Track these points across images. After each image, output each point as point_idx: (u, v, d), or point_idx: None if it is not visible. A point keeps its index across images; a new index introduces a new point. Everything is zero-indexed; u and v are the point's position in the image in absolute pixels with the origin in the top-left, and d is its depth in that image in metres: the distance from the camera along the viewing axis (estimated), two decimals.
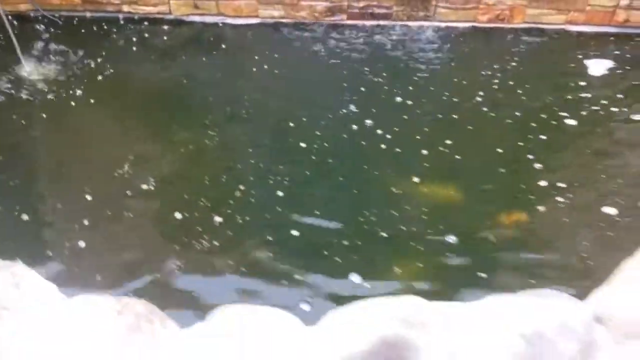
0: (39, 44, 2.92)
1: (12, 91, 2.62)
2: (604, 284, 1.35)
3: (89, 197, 2.03)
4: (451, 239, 1.88)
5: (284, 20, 3.14)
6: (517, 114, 2.43)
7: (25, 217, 1.95)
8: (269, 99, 2.61)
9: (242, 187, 2.11)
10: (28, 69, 2.77)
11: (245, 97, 2.61)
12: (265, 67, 2.83)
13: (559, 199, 2.03)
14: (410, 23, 3.09)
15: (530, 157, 2.19)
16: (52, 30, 3.04)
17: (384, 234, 1.92)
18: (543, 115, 2.41)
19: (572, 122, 2.40)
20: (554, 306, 1.25)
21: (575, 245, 1.85)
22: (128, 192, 2.06)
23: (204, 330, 1.22)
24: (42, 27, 3.04)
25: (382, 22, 3.10)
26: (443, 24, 3.08)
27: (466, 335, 1.19)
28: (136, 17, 3.15)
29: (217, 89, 2.68)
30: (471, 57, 2.87)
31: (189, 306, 1.64)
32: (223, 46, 3.01)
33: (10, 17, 2.77)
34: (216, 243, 1.88)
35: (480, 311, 1.25)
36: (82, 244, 1.83)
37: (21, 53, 2.76)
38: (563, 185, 2.09)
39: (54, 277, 1.38)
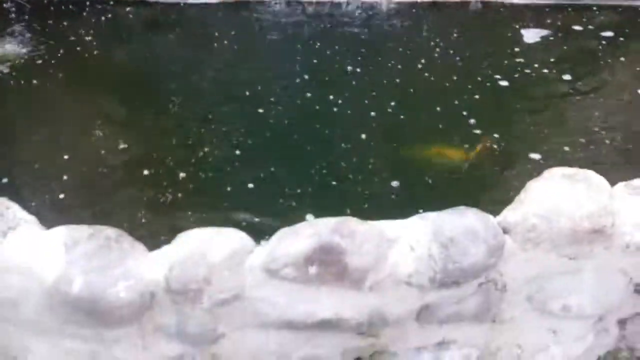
0: (9, 29, 3.04)
1: None
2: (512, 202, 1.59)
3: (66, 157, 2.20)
4: (394, 183, 2.12)
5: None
6: (454, 77, 2.67)
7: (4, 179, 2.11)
8: (228, 72, 2.79)
9: (205, 149, 2.31)
10: (4, 49, 2.89)
11: (205, 71, 2.77)
12: (225, 42, 3.00)
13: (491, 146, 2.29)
14: None
15: (465, 113, 2.43)
16: (20, 12, 3.16)
17: (334, 182, 2.14)
18: (478, 78, 2.65)
19: (504, 83, 2.64)
20: (466, 219, 1.47)
21: (504, 183, 2.10)
22: (102, 152, 2.23)
23: (170, 248, 1.41)
24: (10, 8, 3.16)
25: None
26: None
27: (389, 242, 1.42)
28: None
29: (179, 65, 2.83)
30: (417, 29, 3.09)
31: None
32: (184, 25, 3.16)
33: None
34: (179, 195, 2.08)
35: (403, 225, 1.48)
36: (61, 195, 2.01)
37: None
38: (494, 135, 2.33)
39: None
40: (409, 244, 1.43)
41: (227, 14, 3.26)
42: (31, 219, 1.46)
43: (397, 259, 1.41)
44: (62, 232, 1.41)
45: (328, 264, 1.36)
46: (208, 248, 1.35)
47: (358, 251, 1.37)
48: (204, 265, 1.33)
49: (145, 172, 2.15)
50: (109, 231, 1.42)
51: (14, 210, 1.43)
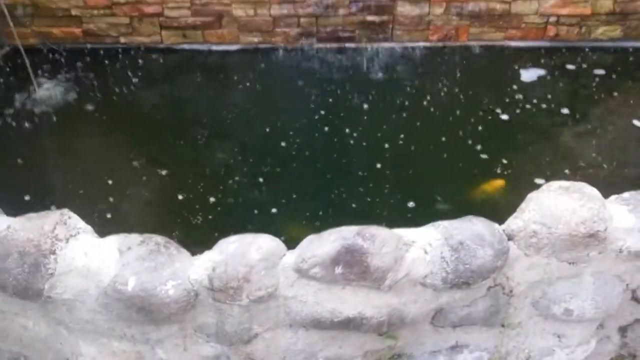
0: (47, 74, 3.33)
1: (27, 112, 3.01)
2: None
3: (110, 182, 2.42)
4: (410, 204, 2.32)
5: (261, 46, 3.60)
6: (457, 112, 2.91)
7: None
8: (251, 111, 3.05)
9: (232, 178, 2.52)
10: (40, 93, 3.16)
11: (229, 110, 3.03)
12: (248, 84, 3.27)
13: (498, 171, 2.49)
14: (371, 44, 3.57)
15: (470, 142, 2.65)
16: (58, 60, 3.46)
17: (354, 206, 2.34)
18: (481, 113, 2.89)
19: (505, 116, 2.87)
20: (474, 225, 1.65)
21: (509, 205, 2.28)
22: (142, 179, 2.45)
23: (212, 252, 1.59)
24: (49, 57, 3.46)
25: (347, 44, 3.57)
26: (399, 44, 3.57)
27: (406, 246, 1.59)
28: (132, 47, 3.59)
29: (205, 105, 3.10)
30: (422, 70, 3.35)
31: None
32: (209, 69, 3.45)
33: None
34: (209, 217, 2.28)
35: (418, 232, 1.66)
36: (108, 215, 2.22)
37: (34, 79, 3.16)
38: (501, 162, 2.54)
39: None
40: (423, 247, 1.60)
41: (247, 59, 3.54)
42: (88, 228, 1.64)
43: (413, 261, 1.58)
44: (116, 239, 1.60)
45: (352, 264, 1.53)
46: (247, 250, 1.53)
47: (378, 252, 1.54)
48: (243, 264, 1.51)
49: (180, 197, 2.36)
50: (158, 238, 1.61)
51: (75, 220, 1.62)
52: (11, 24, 3.21)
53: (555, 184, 1.77)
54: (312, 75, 3.33)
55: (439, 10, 3.47)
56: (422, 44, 3.57)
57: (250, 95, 3.18)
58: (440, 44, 3.57)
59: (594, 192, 1.72)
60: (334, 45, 3.58)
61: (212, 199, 2.37)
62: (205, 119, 2.94)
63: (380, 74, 3.33)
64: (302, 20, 3.53)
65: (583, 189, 1.72)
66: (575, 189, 1.73)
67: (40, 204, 2.40)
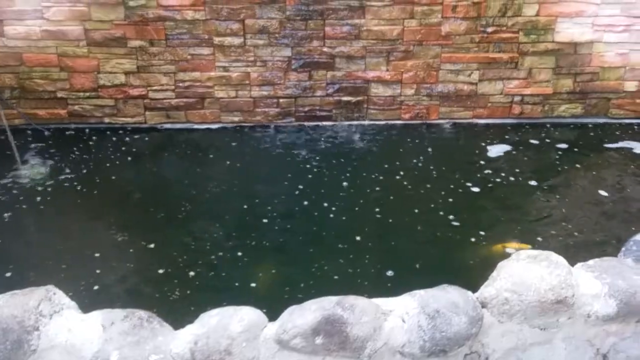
0: (32, 152, 3.41)
1: (13, 190, 3.06)
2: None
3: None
4: (389, 273, 2.38)
5: (243, 124, 3.76)
6: (428, 186, 3.04)
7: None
8: (232, 187, 3.14)
9: (212, 253, 2.56)
10: (24, 172, 3.22)
11: (212, 186, 3.12)
12: (228, 162, 3.37)
13: (472, 240, 2.58)
14: (347, 122, 3.75)
15: (442, 213, 2.76)
16: (43, 140, 3.55)
17: (336, 277, 2.39)
18: (452, 186, 3.02)
19: (476, 189, 3.00)
20: (449, 294, 1.72)
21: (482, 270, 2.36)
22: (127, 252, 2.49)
23: (193, 326, 1.62)
24: (34, 138, 3.55)
25: (324, 123, 3.75)
26: (374, 123, 3.75)
27: (384, 315, 1.65)
28: (116, 127, 3.71)
29: (188, 182, 3.18)
30: (396, 147, 3.51)
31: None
32: (191, 148, 3.57)
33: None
34: (187, 292, 2.31)
35: (396, 301, 1.71)
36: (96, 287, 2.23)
37: (18, 158, 3.23)
38: (473, 231, 2.63)
39: None
40: (400, 316, 1.66)
41: (229, 137, 3.67)
42: (72, 304, 1.67)
43: (392, 330, 1.63)
44: (99, 315, 1.62)
45: (332, 334, 1.57)
46: (229, 322, 1.56)
47: (358, 322, 1.58)
48: (225, 337, 1.53)
49: (161, 270, 2.39)
50: (141, 312, 1.64)
51: (59, 296, 1.65)
52: (3, 106, 3.32)
53: (524, 253, 1.87)
54: (291, 152, 3.46)
55: (410, 91, 3.69)
56: (395, 122, 3.76)
57: (231, 171, 3.28)
58: (412, 122, 3.76)
59: (561, 260, 1.82)
60: (312, 123, 3.75)
61: (191, 273, 2.40)
62: (188, 195, 3.01)
63: (356, 151, 3.47)
64: (281, 100, 3.71)
65: (550, 257, 1.82)
66: (543, 258, 1.82)
67: (24, 280, 2.41)
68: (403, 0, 3.47)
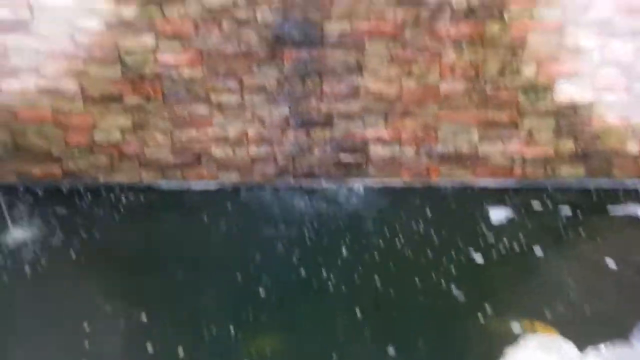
0: (23, 212, 3.32)
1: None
2: None
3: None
4: (390, 349, 2.27)
5: (240, 183, 3.68)
6: (429, 253, 2.95)
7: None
8: (228, 252, 3.04)
9: (204, 325, 2.45)
10: (15, 234, 3.12)
11: (208, 249, 3.03)
12: (223, 224, 3.28)
13: (476, 314, 2.47)
14: (345, 182, 3.68)
15: (444, 284, 2.66)
16: (35, 199, 3.47)
17: (334, 355, 2.28)
18: (453, 254, 2.92)
19: (478, 257, 2.91)
20: None
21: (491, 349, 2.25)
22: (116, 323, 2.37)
23: None
24: (25, 196, 3.47)
25: (322, 182, 3.67)
26: (373, 182, 3.68)
27: None
28: (111, 185, 3.63)
29: (183, 247, 3.08)
30: (395, 209, 3.42)
31: None
32: (187, 209, 3.48)
33: None
34: None
35: None
36: None
37: (9, 220, 3.14)
38: (478, 305, 2.52)
39: None
40: None
41: (226, 196, 3.59)
42: None
43: None
44: None
45: None
46: None
47: None
48: None
49: (150, 348, 2.27)
50: None
51: None
52: None
53: (534, 340, 1.76)
54: (289, 214, 3.38)
55: (410, 151, 3.64)
56: (395, 182, 3.69)
57: (227, 235, 3.19)
58: (412, 182, 3.69)
59: (571, 349, 1.71)
60: (310, 182, 3.68)
61: (181, 351, 2.28)
62: (182, 261, 2.92)
63: (354, 213, 3.39)
64: (279, 159, 3.65)
65: (561, 347, 1.71)
66: (554, 347, 1.71)
67: (6, 353, 2.30)
68: (401, 60, 3.45)
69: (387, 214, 3.37)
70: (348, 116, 3.57)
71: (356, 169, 3.68)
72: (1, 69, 3.40)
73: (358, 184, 3.67)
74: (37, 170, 3.60)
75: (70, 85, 3.44)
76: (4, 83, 3.43)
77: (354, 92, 3.51)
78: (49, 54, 3.37)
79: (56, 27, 3.33)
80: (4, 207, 3.17)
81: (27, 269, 2.84)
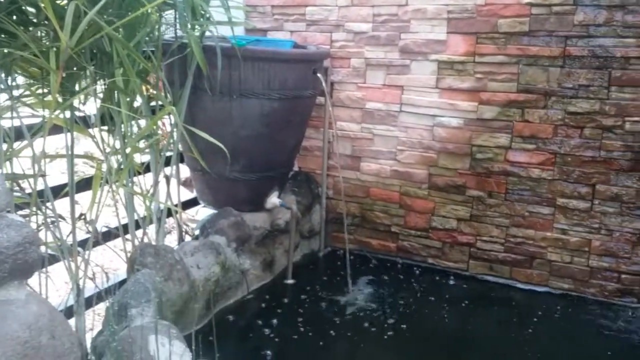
0: (359, 277, 3.67)
1: (339, 304, 3.31)
2: None
3: None
4: None
5: (571, 294, 3.43)
6: None
7: None
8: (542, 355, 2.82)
9: None
10: (351, 292, 3.46)
11: (516, 355, 2.86)
12: (548, 333, 3.07)
13: None
14: None
15: None
16: (370, 268, 3.81)
17: None
18: None
19: None
20: None
21: None
22: None
23: None
24: (362, 264, 3.84)
25: None
26: None
27: None
28: (437, 269, 3.78)
29: (500, 348, 2.98)
30: None
31: None
32: (511, 307, 3.38)
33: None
34: None
35: None
36: None
37: (350, 283, 3.51)
38: None
39: None
40: None
41: (553, 303, 3.37)
42: None
43: None
44: None
45: None
46: None
47: None
48: None
49: None
50: None
51: None
52: (345, 230, 3.71)
53: None
54: (625, 339, 2.98)
55: None
56: None
57: (551, 346, 2.96)
58: None
59: None
60: None
61: None
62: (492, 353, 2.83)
63: None
64: (623, 276, 3.30)
65: None
66: None
67: None
68: None
69: None
70: None
71: None
72: (366, 152, 3.90)
73: None
74: (375, 243, 3.97)
75: (420, 172, 3.75)
76: (365, 164, 3.92)
77: None
78: (407, 142, 3.75)
79: (419, 120, 3.69)
80: (348, 271, 3.54)
81: (354, 333, 3.08)
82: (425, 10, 3.55)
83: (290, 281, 3.59)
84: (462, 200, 3.66)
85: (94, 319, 2.78)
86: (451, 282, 3.65)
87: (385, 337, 3.03)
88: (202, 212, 3.94)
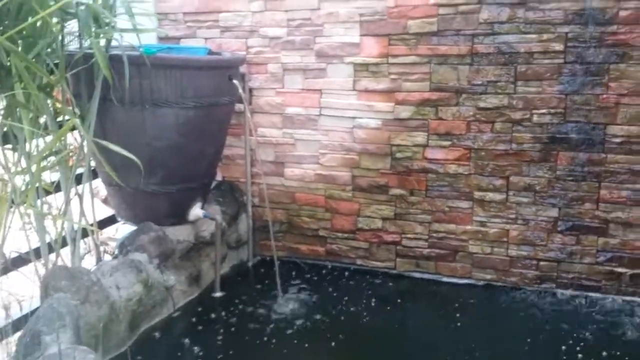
0: (290, 284, 3.63)
1: (270, 315, 3.26)
2: None
3: None
4: None
5: (494, 284, 3.55)
6: None
7: None
8: (472, 351, 2.89)
9: None
10: (281, 301, 3.42)
11: (454, 350, 2.91)
12: (473, 323, 3.16)
13: None
14: (618, 297, 3.30)
15: None
16: (299, 273, 3.79)
17: None
18: None
19: None
20: None
21: None
22: None
23: None
24: (291, 270, 3.80)
25: (590, 294, 3.35)
26: None
27: None
28: (366, 269, 3.80)
29: (429, 341, 3.04)
30: None
31: None
32: (437, 301, 3.47)
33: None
34: None
35: None
36: None
37: (280, 290, 3.46)
38: None
39: None
40: None
41: (477, 294, 3.49)
42: None
43: None
44: None
45: None
46: None
47: None
48: None
49: None
50: None
51: None
52: (272, 238, 3.66)
53: None
54: (546, 325, 3.11)
55: None
56: None
57: (476, 336, 3.03)
58: None
59: None
60: (575, 292, 3.38)
61: None
62: (422, 346, 2.92)
63: (630, 339, 2.97)
64: (541, 263, 3.45)
65: None
66: None
67: None
68: None
69: None
70: (627, 224, 3.25)
71: (634, 284, 3.28)
72: (288, 158, 3.88)
73: (634, 301, 3.26)
74: (304, 248, 3.94)
75: (343, 175, 3.76)
76: (288, 169, 3.89)
77: (637, 199, 3.20)
78: (329, 146, 3.76)
79: (339, 122, 3.71)
80: (278, 278, 3.50)
81: (284, 337, 3.04)
82: (338, 13, 3.58)
83: (218, 294, 3.50)
84: (385, 199, 3.71)
85: (11, 352, 2.60)
86: (380, 282, 3.69)
87: (317, 341, 3.01)
88: (123, 229, 3.78)
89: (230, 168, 4.04)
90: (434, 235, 3.65)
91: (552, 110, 3.28)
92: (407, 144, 3.58)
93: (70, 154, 3.17)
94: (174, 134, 3.16)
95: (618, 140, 3.20)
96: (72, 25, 2.94)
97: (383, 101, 3.59)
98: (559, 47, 3.22)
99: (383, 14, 3.49)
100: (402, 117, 3.56)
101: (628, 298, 3.29)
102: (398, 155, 3.61)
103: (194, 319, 3.20)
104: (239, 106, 3.66)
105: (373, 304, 3.40)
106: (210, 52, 3.59)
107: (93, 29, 2.85)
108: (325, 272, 3.83)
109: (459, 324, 3.16)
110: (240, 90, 3.44)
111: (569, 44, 3.21)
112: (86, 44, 2.91)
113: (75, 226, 3.00)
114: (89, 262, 3.54)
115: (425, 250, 3.68)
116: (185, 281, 3.36)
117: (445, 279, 3.66)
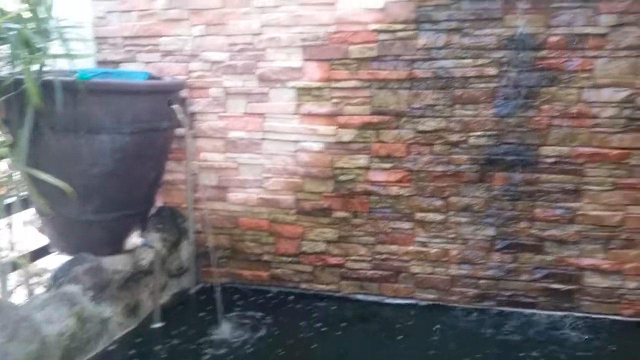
0: (232, 311, 3.56)
1: (212, 344, 3.19)
2: None
3: None
4: None
5: (437, 303, 3.60)
6: None
7: None
8: None
9: None
10: (224, 329, 3.35)
11: None
12: (416, 345, 3.18)
13: None
14: (554, 312, 3.40)
15: None
16: (243, 299, 3.73)
17: None
18: None
19: None
20: None
21: None
22: None
23: None
24: (234, 297, 3.74)
25: (527, 310, 3.44)
26: (586, 316, 3.35)
27: None
28: (310, 293, 3.78)
29: (369, 358, 3.06)
30: (614, 348, 3.04)
31: None
32: (381, 324, 3.47)
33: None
34: None
35: None
36: None
37: (221, 314, 3.40)
38: None
39: None
40: None
41: (420, 315, 3.52)
42: None
43: None
44: None
45: None
46: None
47: None
48: None
49: None
50: None
51: None
52: (215, 264, 3.60)
53: None
54: (488, 343, 3.17)
55: (633, 284, 3.29)
56: (613, 317, 3.33)
57: (419, 354, 3.07)
58: (634, 320, 3.29)
59: None
60: (513, 309, 3.46)
61: None
62: None
63: (564, 351, 3.06)
64: (481, 282, 3.52)
65: None
66: None
67: None
68: (625, 186, 3.22)
69: (603, 353, 3.01)
70: (561, 242, 3.36)
71: (567, 300, 3.39)
72: (232, 182, 3.84)
73: (569, 316, 3.37)
74: (248, 274, 3.89)
75: (287, 198, 3.75)
76: (231, 194, 3.85)
77: (570, 217, 3.33)
78: (273, 169, 3.74)
79: (282, 146, 3.71)
80: (219, 305, 3.43)
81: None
82: (280, 38, 3.61)
83: (157, 325, 3.39)
84: (329, 222, 3.71)
85: None
86: (324, 305, 3.67)
87: None
88: (58, 260, 3.62)
89: (171, 193, 3.96)
90: (377, 256, 3.67)
91: (488, 133, 3.39)
92: (349, 167, 3.61)
93: (0, 183, 3.04)
94: (110, 160, 3.07)
95: (550, 160, 3.33)
96: (5, 50, 2.85)
97: (326, 125, 3.61)
98: (493, 71, 3.34)
99: (325, 39, 3.53)
100: (344, 141, 3.60)
101: (564, 313, 3.40)
102: (341, 178, 3.64)
103: (131, 352, 3.09)
104: (180, 130, 3.61)
105: (316, 328, 3.37)
106: (150, 77, 3.53)
107: (25, 54, 2.76)
108: (270, 296, 3.79)
109: (402, 345, 3.17)
110: (180, 115, 3.40)
111: (502, 68, 3.34)
112: (18, 69, 2.81)
113: (3, 258, 2.86)
114: (22, 295, 3.38)
115: (369, 272, 3.70)
116: (123, 312, 3.25)
117: (388, 300, 3.68)
